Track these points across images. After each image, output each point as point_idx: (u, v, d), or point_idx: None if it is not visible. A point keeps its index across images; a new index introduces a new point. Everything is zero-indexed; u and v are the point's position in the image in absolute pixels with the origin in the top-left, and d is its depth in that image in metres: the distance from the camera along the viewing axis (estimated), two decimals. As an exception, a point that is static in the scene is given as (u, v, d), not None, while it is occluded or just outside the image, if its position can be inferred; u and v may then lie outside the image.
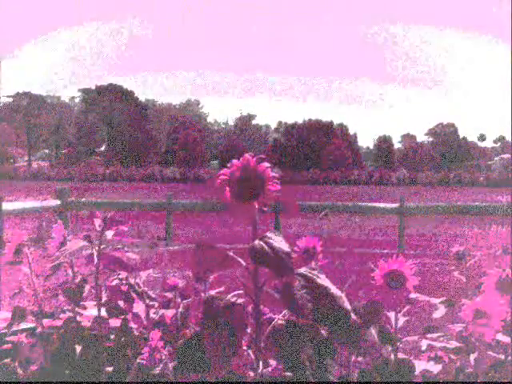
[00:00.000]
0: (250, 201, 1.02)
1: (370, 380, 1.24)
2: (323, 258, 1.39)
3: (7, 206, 5.43)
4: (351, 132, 56.94)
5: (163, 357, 1.28)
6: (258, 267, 1.02)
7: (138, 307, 1.48)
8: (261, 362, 1.07)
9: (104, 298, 1.47)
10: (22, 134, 54.60)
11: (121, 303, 1.48)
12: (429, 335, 1.30)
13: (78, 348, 1.40)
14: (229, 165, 1.02)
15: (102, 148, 56.36)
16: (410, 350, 1.35)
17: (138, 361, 1.30)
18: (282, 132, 56.98)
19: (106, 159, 50.65)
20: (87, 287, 1.45)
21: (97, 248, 1.35)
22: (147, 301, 1.49)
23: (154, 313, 1.49)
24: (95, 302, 1.41)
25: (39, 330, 1.47)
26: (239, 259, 1.03)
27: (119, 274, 1.48)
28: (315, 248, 1.39)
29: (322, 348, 1.16)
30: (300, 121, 55.76)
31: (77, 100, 58.68)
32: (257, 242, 1.00)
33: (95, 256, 1.35)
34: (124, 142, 53.66)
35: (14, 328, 1.44)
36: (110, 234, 1.36)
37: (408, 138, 60.88)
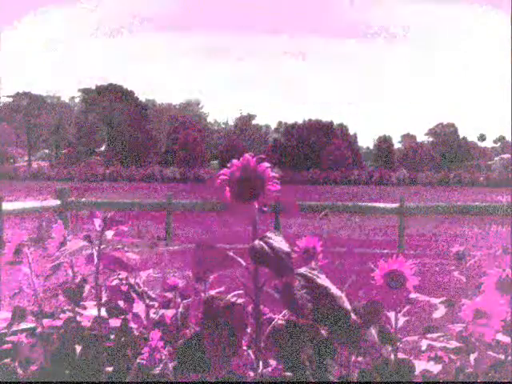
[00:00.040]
0: (250, 201, 1.02)
1: (370, 380, 1.24)
2: (323, 258, 1.39)
3: (7, 205, 5.43)
4: (351, 132, 56.93)
5: (163, 357, 1.28)
6: (258, 267, 1.02)
7: (138, 307, 1.48)
8: (261, 362, 1.07)
9: (104, 298, 1.47)
10: (22, 134, 54.60)
11: (121, 303, 1.48)
12: (429, 335, 1.30)
13: (78, 348, 1.40)
14: (229, 165, 1.02)
15: (102, 148, 56.31)
16: (410, 349, 1.35)
17: (138, 361, 1.30)
18: (282, 132, 56.92)
19: (105, 159, 50.60)
20: (87, 287, 1.46)
21: (97, 248, 1.35)
22: (147, 301, 1.49)
23: (154, 313, 1.49)
24: (95, 302, 1.41)
25: (39, 329, 1.47)
26: (239, 259, 1.03)
27: (119, 274, 1.48)
28: (315, 248, 1.39)
29: (322, 348, 1.16)
30: (300, 121, 55.71)
31: (77, 100, 58.67)
32: (257, 241, 1.00)
33: (95, 256, 1.35)
34: (124, 141, 53.62)
35: (14, 328, 1.45)
36: (109, 234, 1.36)
37: (408, 137, 60.82)
